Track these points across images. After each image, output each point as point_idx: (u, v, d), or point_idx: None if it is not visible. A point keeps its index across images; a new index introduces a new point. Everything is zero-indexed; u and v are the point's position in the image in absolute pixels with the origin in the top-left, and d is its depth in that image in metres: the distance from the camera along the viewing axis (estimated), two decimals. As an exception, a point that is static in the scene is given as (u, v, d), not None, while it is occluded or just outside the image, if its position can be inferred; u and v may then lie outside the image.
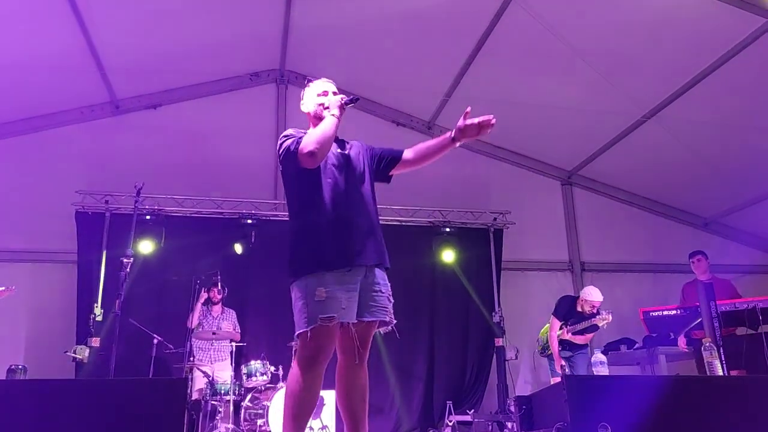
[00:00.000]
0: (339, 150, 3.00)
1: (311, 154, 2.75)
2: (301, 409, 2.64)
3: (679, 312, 5.15)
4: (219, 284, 6.56)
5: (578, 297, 6.35)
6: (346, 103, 2.98)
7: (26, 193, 7.23)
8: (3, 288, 5.17)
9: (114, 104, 7.74)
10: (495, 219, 8.19)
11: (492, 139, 8.56)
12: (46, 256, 7.13)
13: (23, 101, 7.25)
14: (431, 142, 3.28)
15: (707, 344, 3.15)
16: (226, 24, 6.96)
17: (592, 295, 6.14)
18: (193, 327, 6.33)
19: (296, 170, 2.86)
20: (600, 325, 5.96)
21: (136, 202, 4.80)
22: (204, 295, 6.50)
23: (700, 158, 7.58)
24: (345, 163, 2.96)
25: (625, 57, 6.44)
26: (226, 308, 6.71)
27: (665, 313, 5.21)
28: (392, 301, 2.88)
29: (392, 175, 3.22)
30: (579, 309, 6.21)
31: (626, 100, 7.04)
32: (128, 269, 4.31)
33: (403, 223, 7.94)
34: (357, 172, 2.97)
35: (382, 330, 2.88)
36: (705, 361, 3.06)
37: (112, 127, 7.74)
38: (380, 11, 6.55)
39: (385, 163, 3.15)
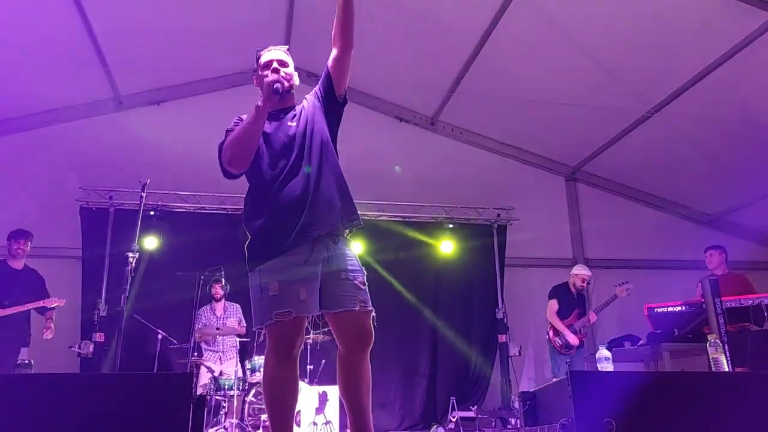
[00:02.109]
0: (288, 123, 2.76)
1: (228, 163, 2.64)
2: (276, 401, 2.57)
3: (684, 308, 5.14)
4: (222, 280, 6.56)
5: (566, 282, 6.67)
6: (274, 92, 2.65)
7: (31, 189, 7.25)
8: (56, 298, 5.61)
9: (117, 100, 7.75)
10: (498, 215, 8.18)
11: (496, 134, 8.55)
12: (51, 251, 7.12)
13: (27, 98, 7.26)
14: (337, 12, 2.91)
15: (713, 340, 3.14)
16: (229, 19, 6.96)
17: (582, 268, 6.74)
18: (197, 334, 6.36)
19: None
20: (624, 295, 6.33)
21: (141, 197, 4.79)
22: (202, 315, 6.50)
23: (705, 154, 7.56)
24: (293, 140, 2.70)
25: (630, 52, 6.41)
26: (229, 303, 6.71)
27: (670, 309, 5.20)
28: (364, 288, 2.61)
29: (344, 92, 2.91)
30: (572, 290, 6.59)
31: (630, 96, 7.01)
32: (133, 265, 4.31)
33: (407, 220, 7.94)
34: (310, 146, 2.69)
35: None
36: (710, 357, 3.05)
37: (116, 123, 7.75)
38: (384, 6, 6.53)
39: (324, 90, 2.86)
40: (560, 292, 6.63)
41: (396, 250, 7.73)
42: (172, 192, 7.27)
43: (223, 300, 6.64)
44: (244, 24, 7.10)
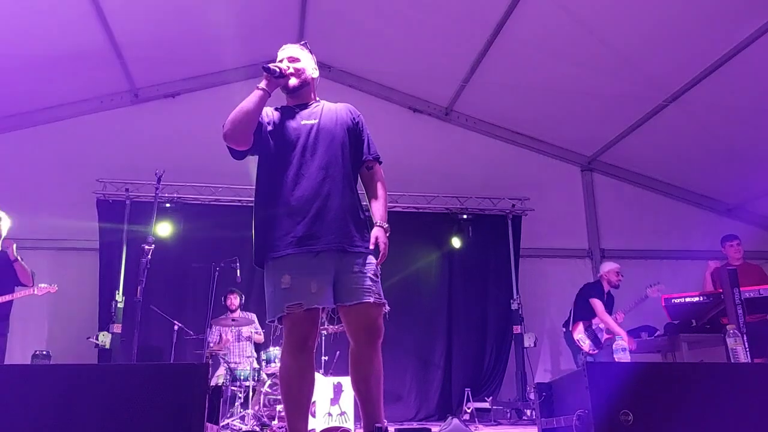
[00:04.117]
0: (302, 122, 2.74)
1: (225, 137, 2.65)
2: (291, 392, 2.58)
3: (701, 299, 5.08)
4: (236, 291, 6.55)
5: (598, 281, 6.38)
6: (265, 69, 2.68)
7: (48, 182, 7.34)
8: (45, 285, 5.39)
9: (133, 93, 7.80)
10: (513, 206, 8.14)
11: (511, 124, 8.50)
12: (69, 243, 7.23)
13: (44, 91, 7.33)
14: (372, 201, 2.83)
15: (731, 331, 3.10)
16: (243, 12, 6.96)
17: (611, 264, 6.41)
18: (214, 345, 6.37)
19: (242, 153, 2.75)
20: (655, 296, 6.00)
21: (156, 189, 4.82)
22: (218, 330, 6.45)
23: (723, 143, 7.46)
24: (306, 138, 2.69)
25: (646, 40, 6.33)
26: (245, 313, 6.65)
27: (687, 299, 5.14)
28: (377, 280, 2.62)
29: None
30: (605, 288, 6.28)
31: (647, 85, 6.93)
32: (149, 256, 4.34)
33: (421, 210, 7.92)
34: (322, 145, 2.68)
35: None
36: (728, 348, 3.02)
37: (132, 115, 7.81)
38: (397, -4, 6.50)
39: (355, 139, 2.83)
40: (598, 291, 6.28)
41: (410, 241, 7.71)
42: (188, 184, 7.31)
43: (238, 311, 6.56)
44: (258, 16, 7.10)
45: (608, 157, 8.60)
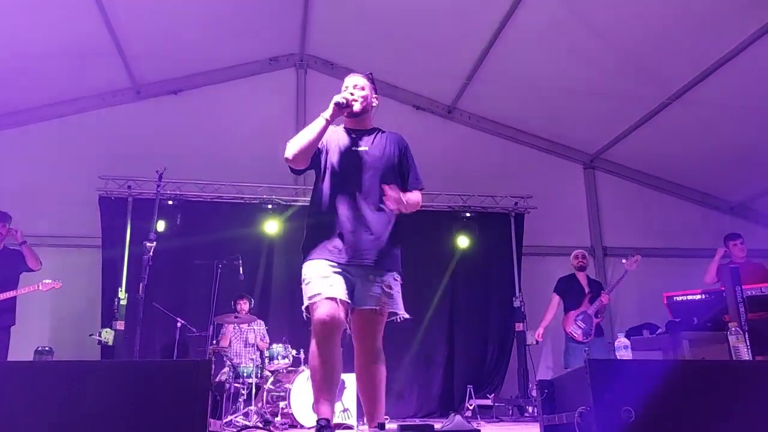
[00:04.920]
0: (354, 147, 3.01)
1: (287, 160, 2.89)
2: (319, 380, 2.78)
3: (704, 296, 5.07)
4: (246, 297, 6.58)
5: (571, 273, 6.51)
6: (336, 104, 2.92)
7: (50, 179, 7.34)
8: (50, 281, 5.41)
9: (135, 90, 7.80)
10: (516, 203, 8.13)
11: (513, 122, 8.49)
12: (71, 240, 7.23)
13: (46, 87, 7.33)
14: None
15: (733, 328, 3.10)
16: (245, 8, 6.96)
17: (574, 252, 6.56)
18: (222, 344, 6.43)
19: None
20: (633, 269, 6.11)
21: (158, 186, 4.83)
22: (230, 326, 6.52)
23: (726, 141, 7.44)
24: (354, 163, 2.97)
25: (649, 38, 6.31)
26: (254, 321, 6.63)
27: (689, 297, 5.13)
28: (391, 291, 2.92)
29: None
30: (578, 276, 6.41)
31: (650, 82, 6.92)
32: (151, 253, 4.35)
33: (424, 208, 7.85)
34: (368, 172, 2.97)
35: (398, 319, 2.97)
36: (731, 346, 3.02)
37: (134, 112, 7.81)
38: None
39: (402, 169, 3.19)
40: (562, 284, 6.50)
41: (412, 239, 7.68)
42: (190, 181, 7.32)
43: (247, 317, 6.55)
44: (260, 13, 7.10)
45: (611, 155, 8.59)
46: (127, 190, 7.20)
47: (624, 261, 6.13)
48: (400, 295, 2.98)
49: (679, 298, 5.15)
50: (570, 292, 6.40)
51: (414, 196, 3.13)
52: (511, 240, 8.08)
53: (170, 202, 7.14)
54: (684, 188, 8.75)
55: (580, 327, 6.20)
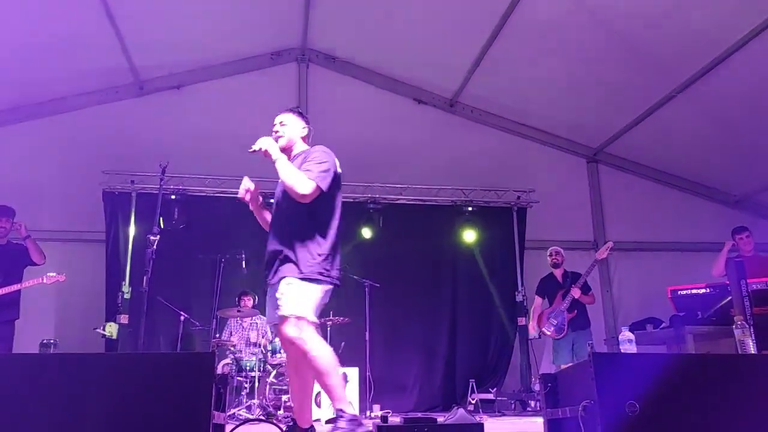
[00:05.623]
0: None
1: (308, 197, 3.31)
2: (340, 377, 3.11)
3: (707, 290, 5.07)
4: (249, 294, 6.60)
5: (548, 274, 6.54)
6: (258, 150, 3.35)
7: (55, 174, 7.36)
8: (54, 274, 5.43)
9: (138, 85, 7.79)
10: (518, 197, 8.12)
11: (516, 116, 8.46)
12: (75, 234, 7.25)
13: (49, 83, 7.32)
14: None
15: (739, 322, 3.09)
16: (247, 3, 6.94)
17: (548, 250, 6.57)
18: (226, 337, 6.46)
19: None
20: (604, 256, 6.20)
21: (161, 181, 4.83)
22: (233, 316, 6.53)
23: (731, 134, 7.40)
24: (279, 191, 3.41)
25: (653, 30, 6.27)
26: (258, 316, 6.63)
27: (693, 291, 5.13)
28: (279, 305, 2.98)
29: None
30: (555, 274, 6.42)
31: (653, 76, 6.88)
32: (154, 247, 4.34)
33: (426, 203, 7.91)
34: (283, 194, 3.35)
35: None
36: (736, 340, 3.01)
37: (137, 107, 7.81)
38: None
39: None
40: (541, 285, 6.56)
41: (415, 233, 7.71)
42: (193, 176, 7.32)
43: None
44: (263, 7, 7.07)
45: (614, 148, 8.56)
46: (130, 185, 7.20)
47: (597, 252, 6.18)
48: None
49: (684, 292, 5.15)
50: (548, 290, 6.45)
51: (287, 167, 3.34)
52: (514, 234, 8.07)
53: (173, 197, 7.16)
54: (688, 181, 8.72)
55: (552, 324, 6.19)
